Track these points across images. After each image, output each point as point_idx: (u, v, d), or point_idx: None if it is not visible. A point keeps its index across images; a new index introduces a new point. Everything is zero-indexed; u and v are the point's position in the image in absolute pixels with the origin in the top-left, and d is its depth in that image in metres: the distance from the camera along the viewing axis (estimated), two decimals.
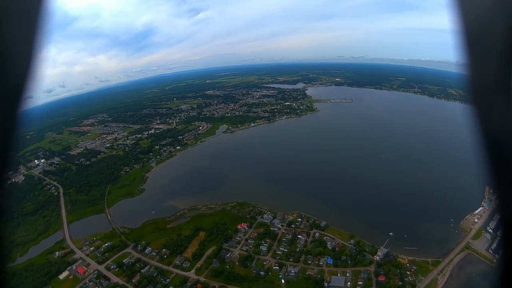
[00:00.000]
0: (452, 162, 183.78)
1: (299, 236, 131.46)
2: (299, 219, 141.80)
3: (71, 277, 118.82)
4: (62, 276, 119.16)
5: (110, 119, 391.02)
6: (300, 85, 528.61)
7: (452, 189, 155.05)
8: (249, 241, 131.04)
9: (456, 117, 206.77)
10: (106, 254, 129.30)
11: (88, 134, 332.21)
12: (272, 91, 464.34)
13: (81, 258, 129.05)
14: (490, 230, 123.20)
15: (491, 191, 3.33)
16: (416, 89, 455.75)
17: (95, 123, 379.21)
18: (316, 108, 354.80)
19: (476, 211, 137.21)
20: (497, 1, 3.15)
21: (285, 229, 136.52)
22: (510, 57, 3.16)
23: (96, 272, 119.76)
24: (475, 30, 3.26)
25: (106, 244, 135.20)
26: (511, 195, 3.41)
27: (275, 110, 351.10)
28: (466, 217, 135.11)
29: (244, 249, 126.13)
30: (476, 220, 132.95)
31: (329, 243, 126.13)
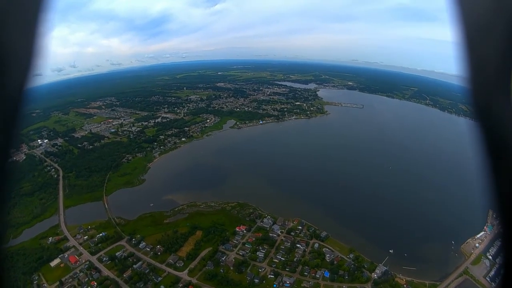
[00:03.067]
0: (459, 182, 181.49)
1: (298, 245, 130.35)
2: (300, 227, 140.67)
3: (62, 265, 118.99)
4: (53, 263, 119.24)
5: (118, 103, 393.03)
6: (312, 86, 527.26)
7: (456, 210, 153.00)
8: (246, 245, 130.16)
9: (465, 135, 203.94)
10: (99, 245, 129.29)
11: (95, 117, 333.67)
12: (284, 89, 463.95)
13: (74, 246, 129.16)
14: (490, 257, 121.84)
15: (493, 214, 3.51)
16: (427, 101, 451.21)
17: (103, 106, 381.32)
18: (327, 111, 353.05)
19: (478, 236, 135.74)
20: (497, 1, 3.19)
21: (284, 236, 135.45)
22: (510, 57, 3.21)
23: (87, 262, 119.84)
24: (475, 30, 3.29)
25: (101, 234, 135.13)
26: (511, 195, 3.44)
27: (285, 109, 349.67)
28: (468, 241, 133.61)
29: (241, 253, 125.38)
30: (477, 244, 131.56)
31: (327, 255, 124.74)
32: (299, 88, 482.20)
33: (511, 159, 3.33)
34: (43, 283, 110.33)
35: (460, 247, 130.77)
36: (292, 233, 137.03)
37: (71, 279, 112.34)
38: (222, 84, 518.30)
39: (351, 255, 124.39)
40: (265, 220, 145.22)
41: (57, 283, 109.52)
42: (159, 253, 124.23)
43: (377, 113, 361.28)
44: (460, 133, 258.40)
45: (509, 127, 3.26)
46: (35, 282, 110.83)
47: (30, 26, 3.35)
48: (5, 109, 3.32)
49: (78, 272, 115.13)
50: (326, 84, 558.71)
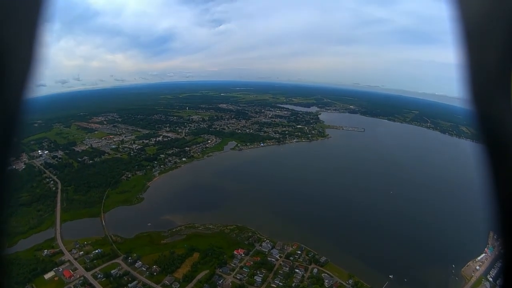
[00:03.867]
0: (460, 204, 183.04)
1: (297, 270, 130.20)
2: (299, 252, 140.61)
3: (56, 278, 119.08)
4: (47, 276, 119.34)
5: (120, 119, 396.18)
6: (313, 109, 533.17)
7: (457, 233, 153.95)
8: (244, 269, 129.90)
9: (466, 157, 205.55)
10: (95, 261, 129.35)
11: (96, 132, 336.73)
12: (285, 112, 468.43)
13: (69, 260, 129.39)
14: (490, 279, 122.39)
15: (494, 236, 3.55)
16: (428, 124, 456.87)
17: (104, 122, 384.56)
18: (328, 135, 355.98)
19: (479, 258, 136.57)
20: (497, 1, 3.20)
21: (283, 261, 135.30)
22: (510, 58, 3.20)
23: (82, 278, 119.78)
24: (475, 29, 3.32)
25: (96, 251, 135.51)
26: (510, 195, 3.48)
27: (286, 132, 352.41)
28: (468, 264, 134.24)
29: (238, 277, 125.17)
30: (477, 267, 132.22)
31: (326, 281, 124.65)
32: (300, 111, 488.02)
33: (511, 158, 3.42)
34: None
35: (461, 270, 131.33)
36: (291, 258, 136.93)
37: None
38: (224, 105, 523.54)
39: (350, 281, 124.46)
40: (263, 244, 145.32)
41: None
42: (155, 273, 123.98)
43: (378, 137, 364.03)
44: (460, 156, 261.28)
45: (510, 128, 3.34)
46: None
47: (29, 34, 3.46)
48: (4, 117, 3.42)
49: (72, 287, 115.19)
50: (328, 108, 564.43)
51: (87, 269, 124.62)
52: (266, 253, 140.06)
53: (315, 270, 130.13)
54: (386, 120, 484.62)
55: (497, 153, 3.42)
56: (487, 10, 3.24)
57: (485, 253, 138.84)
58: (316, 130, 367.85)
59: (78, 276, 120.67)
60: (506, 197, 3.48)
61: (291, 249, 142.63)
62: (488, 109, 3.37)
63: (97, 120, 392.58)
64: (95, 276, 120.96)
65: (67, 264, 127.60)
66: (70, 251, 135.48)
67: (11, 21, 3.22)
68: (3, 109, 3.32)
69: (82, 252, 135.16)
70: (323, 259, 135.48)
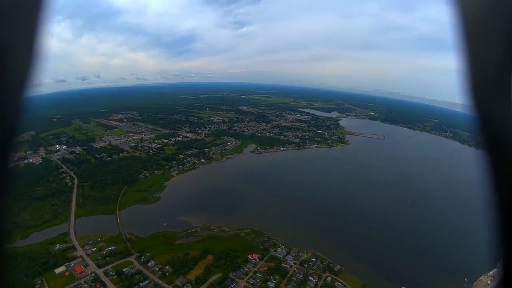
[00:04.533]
0: (477, 217, 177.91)
1: (310, 278, 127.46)
2: (313, 259, 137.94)
3: (67, 273, 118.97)
4: (58, 270, 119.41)
5: (140, 118, 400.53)
6: (334, 114, 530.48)
7: (471, 245, 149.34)
8: (257, 274, 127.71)
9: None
10: (107, 259, 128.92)
11: (115, 129, 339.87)
12: (306, 117, 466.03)
13: (81, 256, 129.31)
14: None
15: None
16: (448, 133, 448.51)
17: (124, 119, 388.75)
18: (348, 141, 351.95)
19: (491, 272, 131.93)
20: (497, 2, 3.23)
21: (297, 268, 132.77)
22: (510, 58, 3.23)
23: (93, 274, 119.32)
24: (475, 31, 3.34)
25: (110, 248, 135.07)
26: (510, 194, 3.54)
27: (306, 137, 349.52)
28: (480, 278, 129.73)
29: (251, 282, 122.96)
30: (489, 281, 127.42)
31: None
32: (321, 116, 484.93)
33: (511, 158, 3.39)
34: None
35: (473, 284, 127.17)
36: (305, 265, 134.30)
37: None
38: (245, 107, 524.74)
39: None
40: (278, 249, 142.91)
41: None
42: (167, 274, 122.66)
43: (398, 145, 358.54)
44: (479, 167, 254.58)
45: (509, 126, 3.31)
46: (36, 286, 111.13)
47: (29, 34, 3.39)
48: (4, 117, 3.35)
49: (83, 283, 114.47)
50: (349, 113, 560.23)
51: (99, 266, 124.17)
52: (281, 259, 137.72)
53: (328, 279, 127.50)
54: (406, 128, 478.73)
55: (497, 153, 3.50)
56: (487, 10, 3.26)
57: (497, 267, 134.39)
58: (336, 136, 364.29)
59: (89, 272, 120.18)
60: (506, 198, 3.56)
61: (306, 256, 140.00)
62: (488, 110, 3.41)
63: (117, 117, 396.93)
64: (106, 273, 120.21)
65: (79, 259, 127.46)
66: (83, 247, 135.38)
67: (11, 21, 3.26)
68: (3, 108, 3.35)
69: (95, 248, 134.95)
70: (337, 267, 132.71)
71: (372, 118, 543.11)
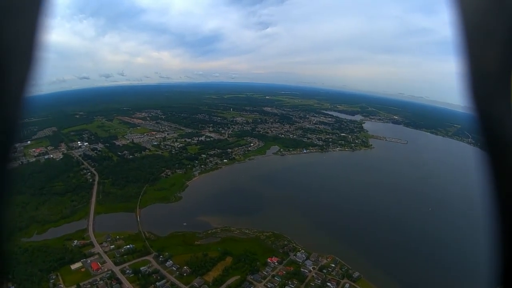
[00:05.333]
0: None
1: (329, 284, 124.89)
2: (333, 265, 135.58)
3: (83, 269, 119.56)
4: (74, 266, 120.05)
5: (163, 116, 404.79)
6: (358, 117, 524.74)
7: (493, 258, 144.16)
8: (275, 278, 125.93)
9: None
10: (125, 257, 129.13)
11: (138, 127, 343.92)
12: (330, 119, 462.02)
13: (98, 253, 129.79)
14: None
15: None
16: (469, 139, 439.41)
17: (148, 118, 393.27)
18: (371, 145, 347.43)
19: None
20: (497, 2, 3.25)
21: (315, 273, 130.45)
22: (510, 59, 3.25)
23: (110, 272, 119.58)
24: (475, 31, 3.37)
25: (128, 246, 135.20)
26: (510, 194, 3.55)
27: (330, 139, 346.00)
28: None
29: (269, 286, 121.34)
30: None
31: None
32: (345, 119, 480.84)
33: (511, 158, 3.42)
34: (60, 284, 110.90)
35: None
36: (324, 271, 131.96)
37: (89, 285, 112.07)
38: (269, 108, 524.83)
39: None
40: (298, 254, 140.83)
41: (75, 286, 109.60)
42: (185, 274, 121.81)
43: (421, 150, 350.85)
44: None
45: (510, 129, 3.34)
46: (51, 281, 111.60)
47: (29, 34, 3.41)
48: (4, 114, 3.38)
49: (98, 280, 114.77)
50: (372, 117, 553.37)
51: (116, 264, 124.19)
52: (300, 263, 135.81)
53: (347, 285, 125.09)
54: (429, 133, 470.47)
55: (497, 153, 3.51)
56: (487, 10, 3.29)
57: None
58: (359, 140, 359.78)
59: (106, 270, 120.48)
60: (506, 198, 3.58)
61: (325, 261, 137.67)
62: (488, 110, 3.44)
63: (140, 115, 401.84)
64: (123, 271, 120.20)
65: (96, 256, 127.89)
66: (100, 244, 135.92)
67: (11, 21, 3.27)
68: (3, 109, 3.38)
69: (113, 246, 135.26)
70: (356, 274, 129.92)
71: (396, 122, 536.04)
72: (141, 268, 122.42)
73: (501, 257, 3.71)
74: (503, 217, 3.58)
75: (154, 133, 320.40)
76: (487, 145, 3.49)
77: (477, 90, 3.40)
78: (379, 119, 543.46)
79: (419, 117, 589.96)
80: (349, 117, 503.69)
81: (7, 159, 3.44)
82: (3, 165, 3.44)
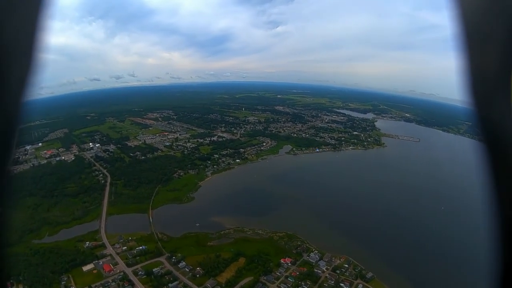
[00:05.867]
0: None
1: (342, 285, 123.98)
2: (346, 265, 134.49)
3: (95, 271, 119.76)
4: (86, 268, 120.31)
5: (175, 117, 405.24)
6: (370, 115, 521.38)
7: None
8: (289, 279, 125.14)
9: None
10: (137, 258, 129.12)
11: (150, 128, 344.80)
12: (342, 117, 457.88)
13: (110, 255, 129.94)
14: None
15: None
16: (480, 137, 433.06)
17: (159, 118, 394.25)
18: (384, 143, 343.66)
19: None
20: (497, 2, 3.27)
21: (329, 274, 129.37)
22: (510, 58, 3.26)
23: (122, 273, 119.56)
24: (475, 28, 3.40)
25: (140, 247, 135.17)
26: (510, 194, 3.57)
27: (342, 138, 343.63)
28: None
29: (282, 287, 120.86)
30: None
31: None
32: (357, 117, 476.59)
33: (511, 158, 3.44)
34: (71, 286, 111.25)
35: None
36: (338, 271, 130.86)
37: (101, 287, 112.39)
38: (280, 107, 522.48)
39: None
40: (311, 254, 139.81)
41: None
42: (197, 276, 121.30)
43: (433, 149, 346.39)
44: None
45: (510, 125, 3.35)
46: (63, 283, 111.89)
47: (29, 34, 3.42)
48: (3, 118, 3.35)
49: (110, 282, 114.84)
50: (384, 115, 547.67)
51: (128, 265, 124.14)
52: (313, 264, 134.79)
53: (360, 286, 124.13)
54: (441, 131, 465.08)
55: (497, 153, 3.57)
56: (487, 10, 3.32)
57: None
58: (372, 138, 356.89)
59: (118, 271, 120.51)
60: (506, 198, 3.60)
61: (338, 261, 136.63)
62: (488, 110, 3.48)
63: (152, 116, 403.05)
64: (135, 273, 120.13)
65: (108, 258, 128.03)
66: (113, 245, 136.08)
67: (11, 21, 3.27)
68: (3, 110, 3.36)
69: (125, 247, 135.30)
70: (369, 274, 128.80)
71: (408, 120, 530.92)
72: (153, 270, 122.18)
73: (501, 257, 3.71)
74: (503, 217, 3.57)
75: (166, 133, 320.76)
76: (487, 145, 3.57)
77: (477, 91, 3.42)
78: (391, 117, 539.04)
79: (431, 115, 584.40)
80: (361, 116, 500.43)
81: (7, 162, 3.38)
82: (2, 168, 3.39)
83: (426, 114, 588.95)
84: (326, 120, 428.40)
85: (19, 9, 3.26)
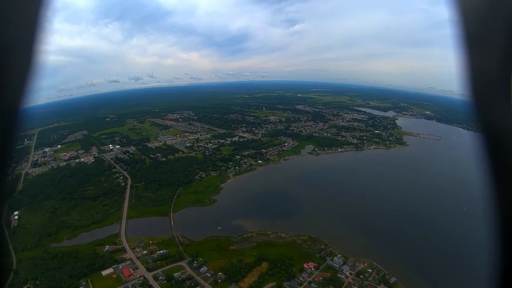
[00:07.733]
0: None
1: None
2: (370, 270, 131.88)
3: (114, 276, 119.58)
4: (105, 272, 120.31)
5: (195, 117, 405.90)
6: (390, 113, 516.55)
7: None
8: (312, 284, 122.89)
9: None
10: (158, 262, 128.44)
11: (170, 129, 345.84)
12: (363, 116, 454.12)
13: (130, 259, 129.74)
14: None
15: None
16: None
17: (180, 119, 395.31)
18: (405, 142, 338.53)
19: None
20: (497, 2, 3.28)
21: (352, 279, 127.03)
22: (510, 58, 3.27)
23: (142, 278, 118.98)
24: (476, 28, 3.43)
25: (161, 251, 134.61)
26: (511, 194, 3.56)
27: (364, 137, 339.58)
28: None
29: None
30: None
31: None
32: (378, 115, 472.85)
33: (511, 157, 3.45)
34: None
35: None
36: (361, 276, 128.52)
37: None
38: (301, 106, 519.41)
39: None
40: (335, 258, 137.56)
41: None
42: (219, 281, 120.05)
43: (455, 147, 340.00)
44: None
45: (510, 125, 3.37)
46: (80, 287, 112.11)
47: (29, 35, 3.42)
48: (3, 119, 3.34)
49: (130, 286, 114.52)
50: (405, 113, 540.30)
51: (149, 270, 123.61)
52: (337, 268, 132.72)
53: None
54: (461, 128, 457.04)
55: (497, 153, 3.56)
56: (487, 10, 3.34)
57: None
58: (393, 137, 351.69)
59: (138, 276, 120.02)
60: (506, 198, 3.60)
61: (362, 266, 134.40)
62: (488, 110, 3.50)
63: (172, 117, 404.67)
64: (156, 278, 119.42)
65: (128, 262, 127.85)
66: (133, 249, 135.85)
67: (11, 21, 3.28)
68: (2, 111, 3.37)
69: (146, 251, 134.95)
70: (392, 279, 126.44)
71: (428, 117, 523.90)
72: (174, 274, 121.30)
73: (501, 257, 3.70)
74: (503, 217, 3.58)
75: (187, 134, 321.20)
76: (487, 146, 3.55)
77: (477, 91, 3.46)
78: (412, 115, 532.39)
79: (450, 112, 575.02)
80: (381, 113, 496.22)
81: (6, 165, 3.38)
82: (2, 169, 3.38)
83: (445, 111, 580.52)
84: (347, 119, 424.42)
85: (19, 9, 3.25)
